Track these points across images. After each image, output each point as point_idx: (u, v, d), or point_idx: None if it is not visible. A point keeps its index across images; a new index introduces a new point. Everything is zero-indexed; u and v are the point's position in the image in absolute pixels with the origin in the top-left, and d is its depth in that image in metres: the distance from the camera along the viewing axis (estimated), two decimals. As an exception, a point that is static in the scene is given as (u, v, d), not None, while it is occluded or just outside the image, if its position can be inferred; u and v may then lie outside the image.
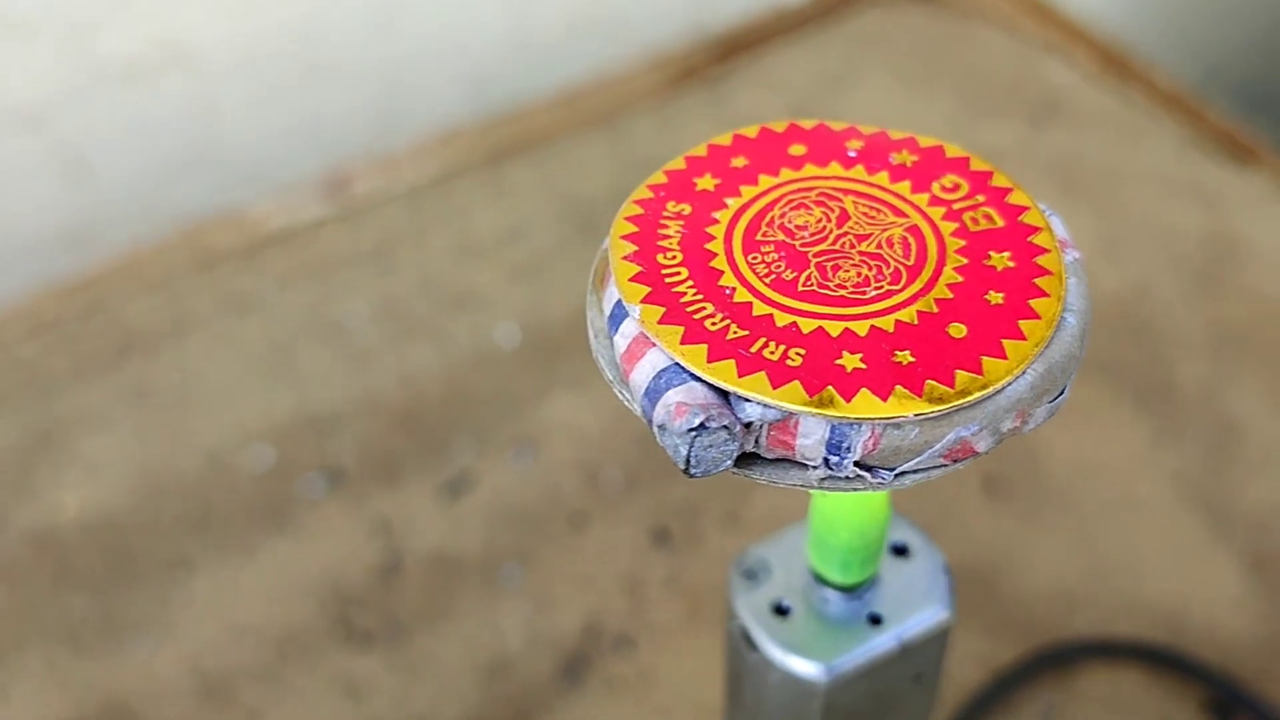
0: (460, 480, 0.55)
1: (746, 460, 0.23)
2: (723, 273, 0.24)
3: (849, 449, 0.23)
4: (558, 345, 0.59)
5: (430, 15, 0.71)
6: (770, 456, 0.23)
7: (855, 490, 0.23)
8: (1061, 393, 0.24)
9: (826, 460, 0.23)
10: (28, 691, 0.49)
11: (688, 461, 0.22)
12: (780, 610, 0.31)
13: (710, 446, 0.22)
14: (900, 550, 0.31)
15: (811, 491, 0.29)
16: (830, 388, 0.22)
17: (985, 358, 0.23)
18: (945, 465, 0.23)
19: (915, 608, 0.30)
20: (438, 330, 0.59)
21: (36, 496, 0.54)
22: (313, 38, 0.69)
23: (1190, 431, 0.57)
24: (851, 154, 0.26)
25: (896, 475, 0.23)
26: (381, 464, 0.55)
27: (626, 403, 0.24)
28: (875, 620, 0.30)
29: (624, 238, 0.25)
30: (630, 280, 0.24)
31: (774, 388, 0.22)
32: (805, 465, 0.23)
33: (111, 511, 0.53)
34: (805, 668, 0.30)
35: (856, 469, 0.23)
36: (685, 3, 0.74)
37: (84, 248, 0.64)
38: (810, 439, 0.23)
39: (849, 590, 0.30)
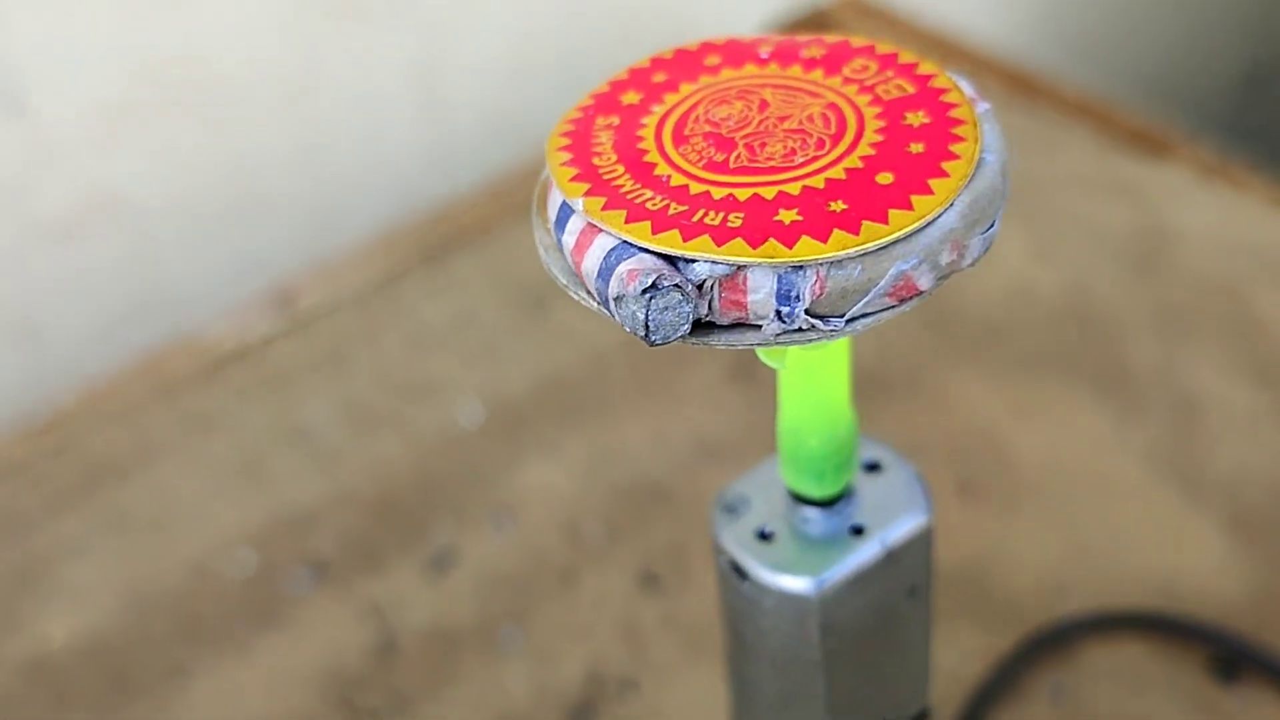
0: (444, 556, 0.55)
1: (703, 330, 0.24)
2: (656, 164, 0.25)
3: (798, 297, 0.23)
4: (521, 417, 0.60)
5: (351, 135, 0.73)
6: (725, 322, 0.24)
7: (810, 341, 0.24)
8: (992, 225, 0.25)
9: (779, 313, 0.24)
10: (36, 816, 0.48)
11: (646, 327, 0.23)
12: (764, 536, 0.31)
13: (666, 309, 0.23)
14: (873, 467, 0.32)
15: (780, 406, 0.30)
16: (772, 239, 0.23)
17: (914, 196, 0.24)
18: (893, 306, 0.24)
19: (895, 515, 0.31)
20: (401, 420, 0.60)
21: (23, 629, 0.53)
22: (241, 173, 0.71)
23: (1152, 410, 0.58)
24: (764, 55, 0.27)
25: (848, 321, 0.24)
26: (364, 552, 0.55)
27: (584, 301, 0.25)
28: (858, 531, 0.31)
29: (560, 150, 0.26)
30: (570, 181, 0.25)
31: (718, 246, 0.23)
32: (759, 325, 0.24)
33: (101, 633, 0.53)
34: (796, 584, 0.30)
35: (808, 318, 0.24)
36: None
37: (37, 402, 0.64)
38: (760, 293, 0.24)
39: (828, 505, 0.31)
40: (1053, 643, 0.51)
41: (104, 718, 0.51)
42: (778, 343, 0.24)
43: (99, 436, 0.60)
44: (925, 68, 0.27)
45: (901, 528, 0.31)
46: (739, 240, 0.23)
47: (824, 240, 0.23)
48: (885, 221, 0.23)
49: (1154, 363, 0.59)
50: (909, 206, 0.24)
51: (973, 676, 0.50)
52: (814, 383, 0.29)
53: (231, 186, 0.72)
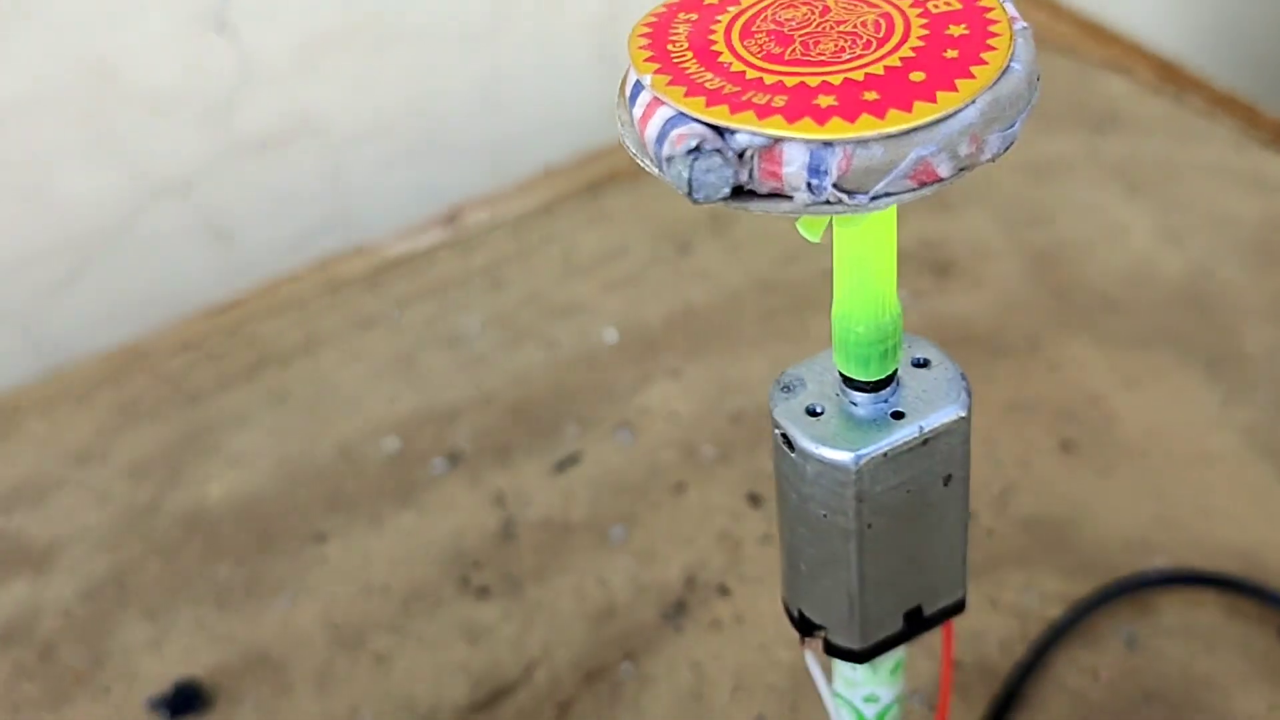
0: (568, 459, 0.59)
1: (744, 197, 0.28)
2: (721, 53, 0.29)
3: (826, 171, 0.27)
4: (652, 343, 0.64)
5: (531, 82, 0.78)
6: (763, 191, 0.28)
7: (838, 214, 0.28)
8: (1012, 125, 0.28)
9: (809, 185, 0.27)
10: (178, 644, 0.54)
11: (689, 185, 0.27)
12: (813, 413, 0.35)
13: (708, 170, 0.27)
14: (921, 364, 0.35)
15: (834, 296, 0.33)
16: (808, 118, 0.27)
17: (941, 92, 0.27)
18: (914, 189, 0.28)
19: (935, 406, 0.34)
20: (544, 336, 0.65)
21: (186, 486, 0.60)
22: (428, 109, 0.77)
23: (1259, 391, 0.59)
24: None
25: (872, 198, 0.27)
26: (497, 448, 0.60)
27: (648, 168, 0.29)
28: (898, 415, 0.34)
29: (640, 36, 0.30)
30: (644, 61, 0.29)
31: (759, 120, 0.27)
32: (792, 196, 0.28)
33: (253, 495, 0.59)
34: (836, 455, 0.34)
35: (836, 191, 0.27)
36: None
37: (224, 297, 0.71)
38: (794, 165, 0.27)
39: (872, 389, 0.34)
40: (1131, 592, 0.53)
41: (243, 569, 0.56)
42: (808, 212, 0.28)
43: (270, 324, 0.66)
44: (976, -11, 0.30)
45: (940, 418, 0.34)
46: (779, 117, 0.27)
47: (852, 121, 0.27)
48: (909, 110, 0.27)
49: (1268, 346, 0.61)
50: (934, 100, 0.27)
51: (1048, 616, 0.52)
52: (862, 274, 0.33)
53: (419, 120, 0.78)
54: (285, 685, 0.52)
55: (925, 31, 0.29)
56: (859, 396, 0.34)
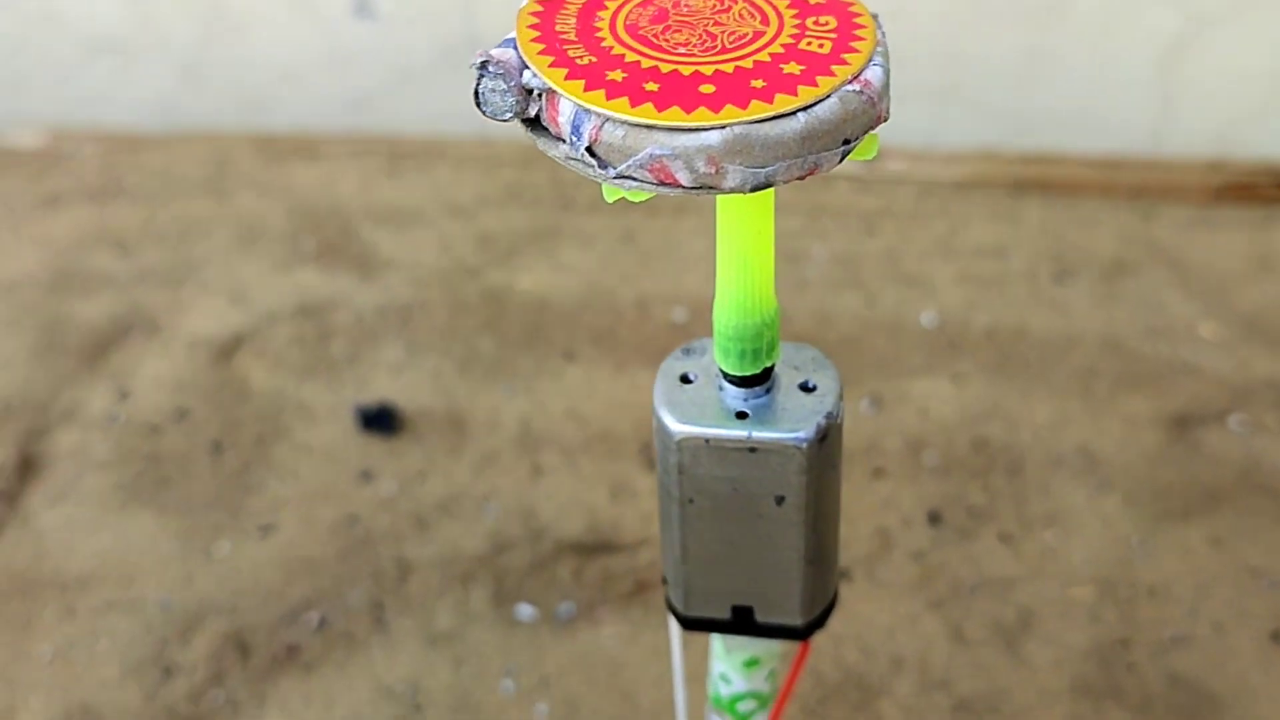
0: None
1: (540, 131, 0.31)
2: (601, 27, 0.31)
3: (580, 133, 0.29)
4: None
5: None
6: (551, 132, 0.30)
7: (590, 177, 0.30)
8: (763, 168, 0.28)
9: (570, 139, 0.30)
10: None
11: (475, 96, 0.30)
12: (685, 380, 0.36)
13: (494, 91, 0.30)
14: (807, 388, 0.36)
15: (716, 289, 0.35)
16: (600, 88, 0.29)
17: (729, 105, 0.28)
18: (654, 184, 0.29)
19: (778, 425, 0.35)
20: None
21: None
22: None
23: None
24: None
25: (616, 176, 0.29)
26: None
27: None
28: (742, 415, 0.35)
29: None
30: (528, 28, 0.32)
31: (563, 80, 0.30)
32: (562, 141, 0.30)
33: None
34: (667, 422, 0.35)
35: (588, 154, 0.29)
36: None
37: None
38: (563, 117, 0.30)
39: (738, 383, 0.36)
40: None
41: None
42: (569, 165, 0.30)
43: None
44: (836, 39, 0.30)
45: (773, 435, 0.35)
46: (580, 81, 0.29)
47: (617, 100, 0.29)
48: (688, 112, 0.28)
49: None
50: (715, 110, 0.28)
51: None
52: (733, 273, 0.34)
53: (945, 43, 0.79)
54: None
55: (789, 41, 0.30)
56: (725, 384, 0.36)
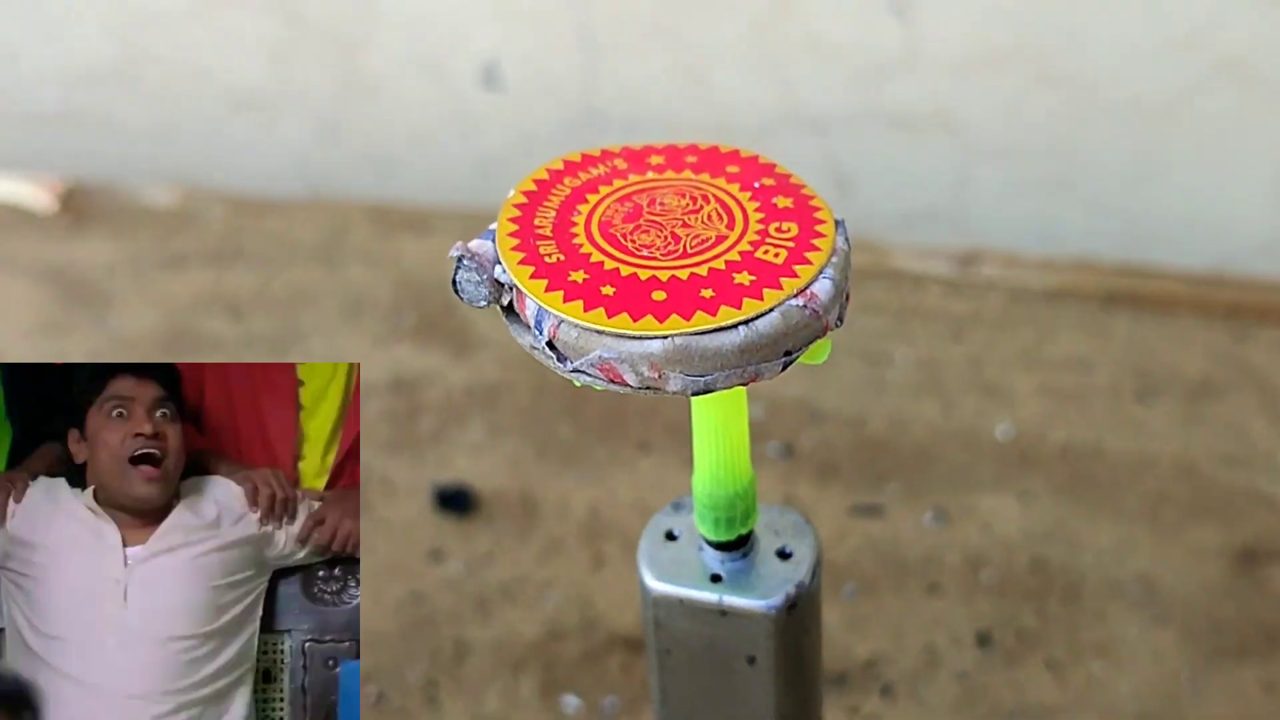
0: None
1: (511, 317, 0.33)
2: (576, 223, 0.33)
3: (542, 329, 0.31)
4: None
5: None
6: (522, 320, 0.32)
7: (552, 368, 0.32)
8: (704, 376, 0.30)
9: (534, 332, 0.32)
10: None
11: (453, 283, 0.32)
12: (670, 536, 0.38)
13: (469, 282, 0.32)
14: (784, 554, 0.38)
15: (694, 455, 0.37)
16: (559, 289, 0.31)
17: (674, 315, 0.30)
18: (604, 381, 0.31)
19: (748, 591, 0.37)
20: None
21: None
22: (1069, 130, 0.78)
23: None
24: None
25: (572, 369, 0.31)
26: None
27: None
28: (716, 579, 0.37)
29: (523, 193, 0.35)
30: (510, 218, 0.34)
31: (517, 265, 0.32)
32: (529, 331, 0.32)
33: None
34: (645, 576, 0.37)
35: (549, 349, 0.31)
36: None
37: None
38: (529, 311, 0.32)
39: (715, 546, 0.37)
40: None
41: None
42: (532, 354, 0.32)
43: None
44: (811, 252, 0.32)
45: (745, 601, 0.36)
46: (543, 281, 0.31)
47: (573, 303, 0.31)
48: (635, 320, 0.30)
49: None
50: (661, 320, 0.30)
51: None
52: (708, 446, 0.36)
53: (1056, 140, 0.80)
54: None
55: (747, 248, 0.32)
56: (707, 546, 0.38)
